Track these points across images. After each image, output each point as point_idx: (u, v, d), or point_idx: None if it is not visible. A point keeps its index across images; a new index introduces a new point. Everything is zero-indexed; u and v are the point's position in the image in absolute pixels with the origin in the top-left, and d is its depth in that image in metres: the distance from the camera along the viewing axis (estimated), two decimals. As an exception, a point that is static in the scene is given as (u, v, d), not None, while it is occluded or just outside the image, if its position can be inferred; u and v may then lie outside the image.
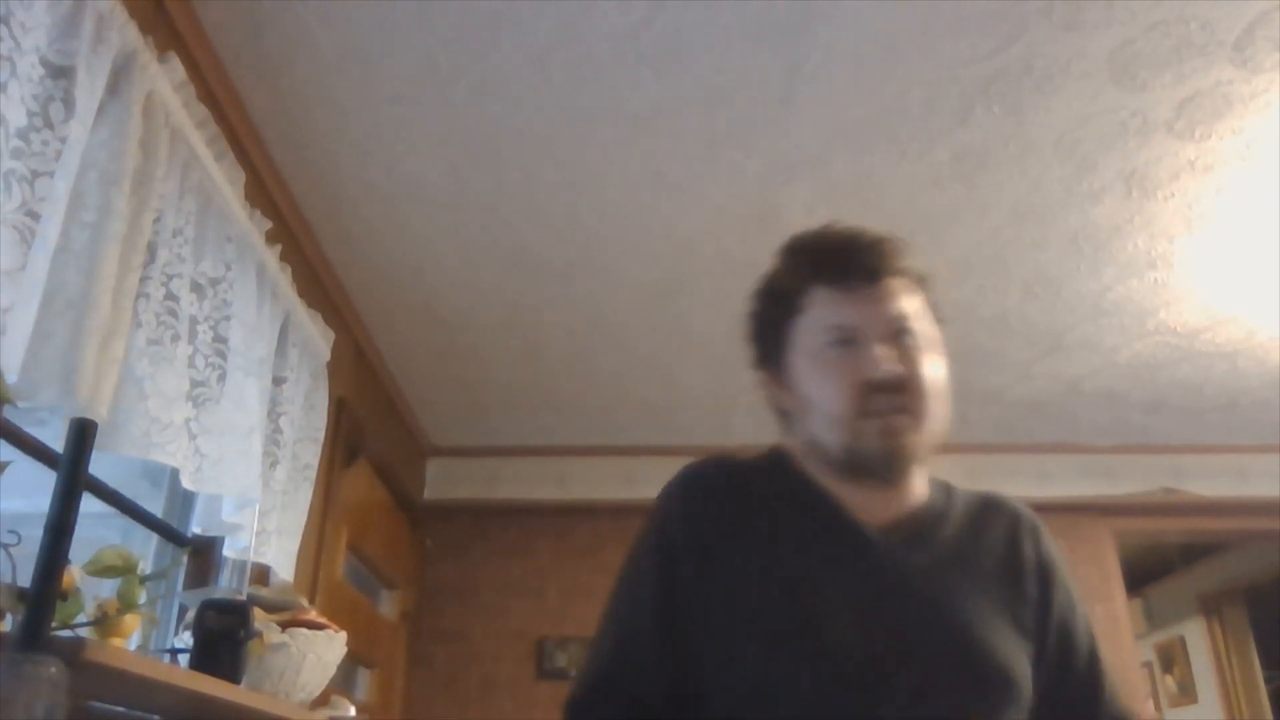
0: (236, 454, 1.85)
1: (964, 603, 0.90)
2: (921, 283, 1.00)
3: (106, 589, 1.42)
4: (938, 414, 0.93)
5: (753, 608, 0.89)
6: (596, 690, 0.94)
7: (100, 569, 1.40)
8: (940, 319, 1.00)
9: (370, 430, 3.05)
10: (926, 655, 0.85)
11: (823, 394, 0.92)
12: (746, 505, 0.96)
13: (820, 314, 0.94)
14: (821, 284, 0.95)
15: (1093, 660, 0.97)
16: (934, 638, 0.87)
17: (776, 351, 0.99)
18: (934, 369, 0.94)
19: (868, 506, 0.94)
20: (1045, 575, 0.96)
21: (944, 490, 1.00)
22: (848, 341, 0.92)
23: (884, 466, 0.91)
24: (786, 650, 0.86)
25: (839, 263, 0.95)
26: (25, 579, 1.17)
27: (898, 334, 0.93)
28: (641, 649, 0.93)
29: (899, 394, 0.90)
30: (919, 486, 0.97)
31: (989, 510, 1.00)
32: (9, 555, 1.20)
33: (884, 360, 0.90)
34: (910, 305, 0.95)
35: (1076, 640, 0.96)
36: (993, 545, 0.96)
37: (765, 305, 1.02)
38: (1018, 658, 0.89)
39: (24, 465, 1.45)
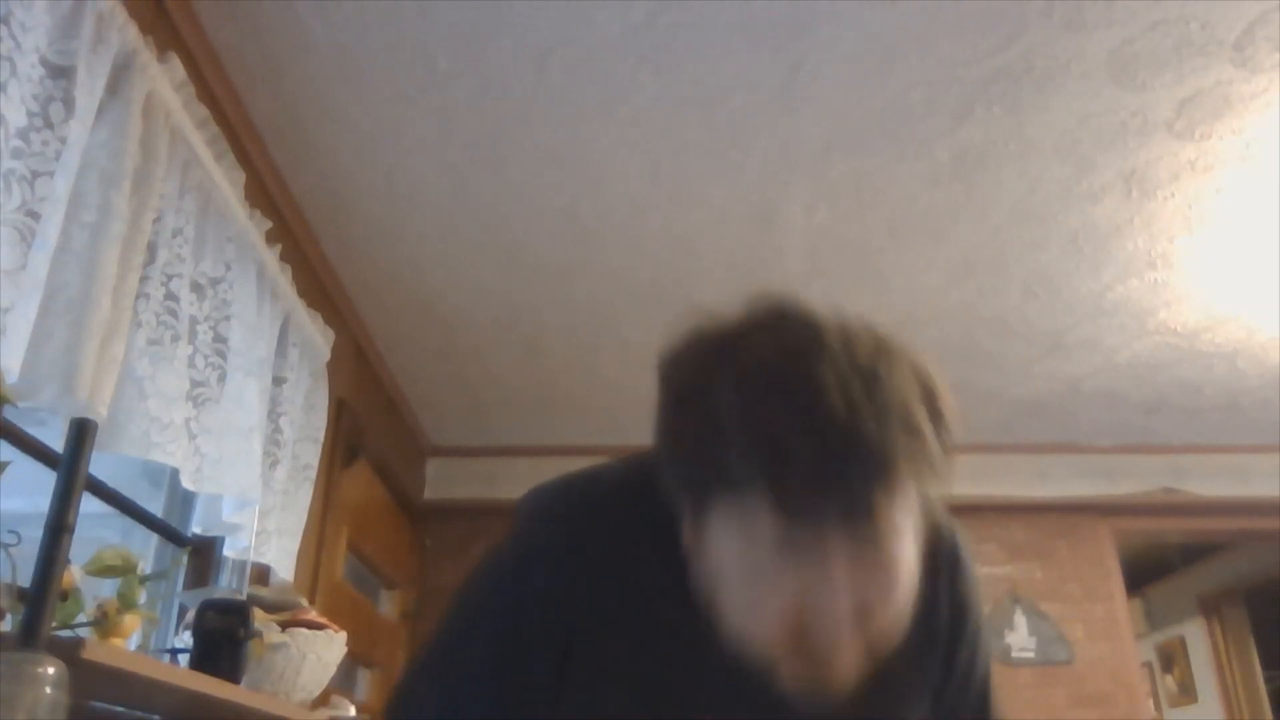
0: (236, 454, 1.85)
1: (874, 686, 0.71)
2: (932, 470, 0.64)
3: (106, 589, 1.42)
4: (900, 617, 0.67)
5: (609, 695, 0.75)
6: None
7: (100, 569, 1.40)
8: (937, 518, 0.77)
9: (370, 430, 3.05)
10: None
11: (738, 615, 0.67)
12: (623, 585, 0.76)
13: (763, 538, 0.62)
14: (774, 504, 0.61)
15: (984, 701, 0.90)
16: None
17: (687, 499, 0.68)
18: (896, 621, 0.66)
19: None
20: (958, 617, 0.84)
21: None
22: (798, 570, 0.62)
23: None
24: None
25: (808, 488, 0.60)
26: (25, 579, 1.17)
27: (862, 614, 0.64)
28: (482, 704, 0.77)
29: (830, 673, 0.66)
30: None
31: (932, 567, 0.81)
32: (9, 555, 1.20)
33: (834, 651, 0.64)
34: (894, 551, 0.63)
35: (973, 681, 0.89)
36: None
37: (684, 446, 0.67)
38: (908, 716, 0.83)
39: (24, 465, 1.45)
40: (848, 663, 0.65)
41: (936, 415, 0.63)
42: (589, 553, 0.77)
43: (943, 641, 0.84)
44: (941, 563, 0.82)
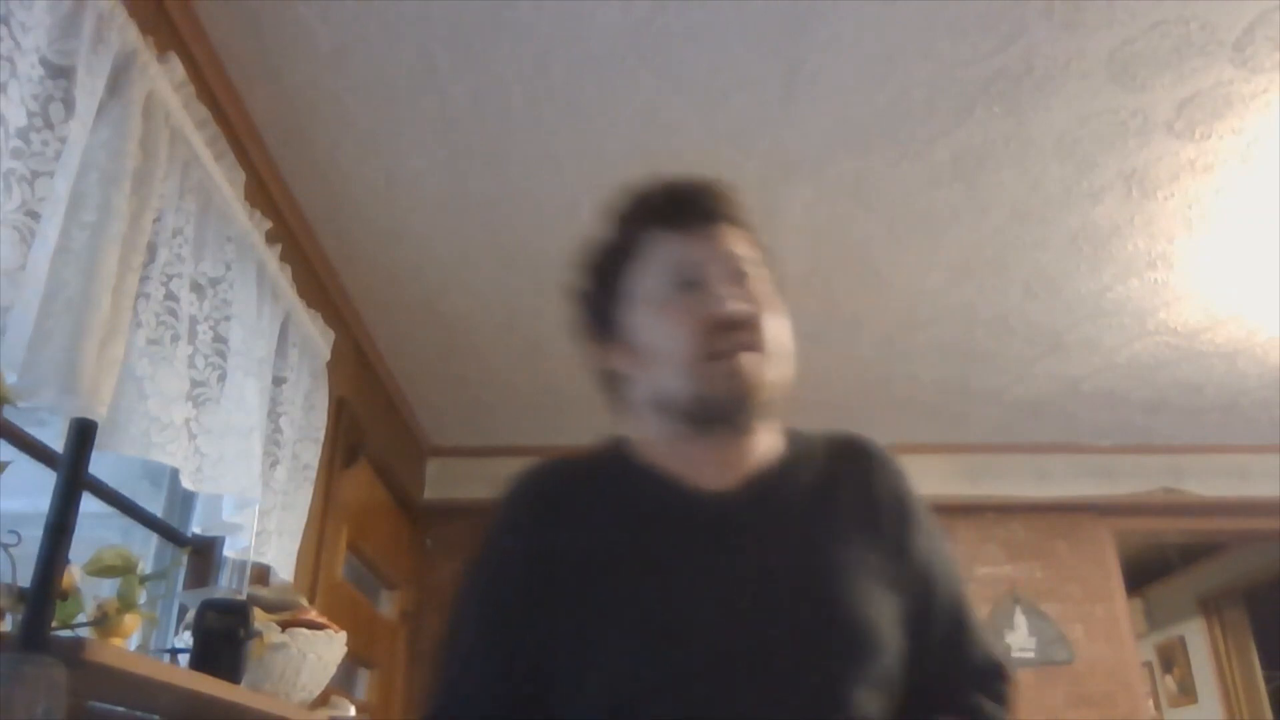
0: (236, 454, 1.85)
1: (820, 561, 0.85)
2: (758, 239, 0.95)
3: (106, 589, 1.42)
4: (783, 358, 0.89)
5: (599, 608, 0.83)
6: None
7: (100, 569, 1.40)
8: (780, 285, 0.95)
9: (370, 430, 3.05)
10: (782, 625, 0.80)
11: (667, 338, 0.87)
12: (581, 502, 0.90)
13: (660, 256, 0.90)
14: (660, 227, 0.91)
15: (955, 604, 0.91)
16: (788, 604, 0.81)
17: (610, 310, 0.94)
18: (776, 316, 0.90)
19: (714, 468, 0.88)
20: (902, 518, 0.90)
21: (795, 439, 0.94)
22: (691, 282, 0.88)
23: (734, 410, 0.86)
24: (639, 644, 0.80)
25: (678, 204, 0.92)
26: (25, 579, 1.17)
27: (740, 274, 0.90)
28: (481, 673, 0.86)
29: (745, 332, 0.86)
30: (769, 440, 0.92)
31: (842, 454, 0.93)
32: (9, 555, 1.20)
33: (729, 298, 0.87)
34: (748, 250, 0.92)
35: (937, 584, 0.90)
36: (848, 492, 0.90)
37: (600, 258, 0.96)
38: (879, 612, 0.83)
39: (24, 465, 1.45)
40: (740, 299, 0.87)
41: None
42: (549, 486, 0.92)
43: (891, 547, 0.88)
44: (870, 459, 0.94)
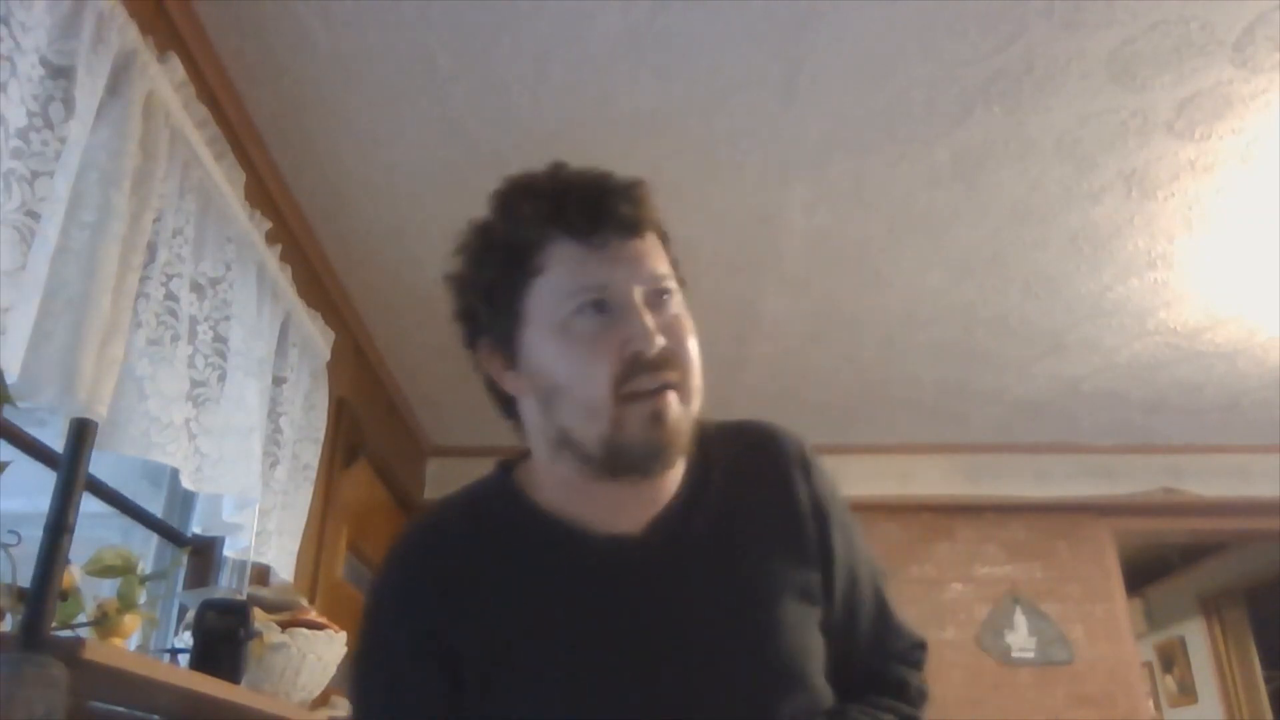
0: (236, 454, 1.85)
1: (739, 598, 0.79)
2: (667, 239, 0.85)
3: (106, 589, 1.42)
4: (700, 392, 0.79)
5: (508, 675, 0.77)
6: None
7: (100, 569, 1.40)
8: (684, 284, 0.85)
9: (370, 430, 3.05)
10: (703, 671, 0.76)
11: (576, 375, 0.75)
12: (473, 567, 0.81)
13: (566, 274, 0.77)
14: (565, 237, 0.78)
15: (878, 598, 0.89)
16: (708, 650, 0.77)
17: (503, 323, 0.80)
18: (692, 340, 0.80)
19: (620, 511, 0.80)
20: (823, 524, 0.85)
21: (702, 449, 0.83)
22: (603, 305, 0.76)
23: (650, 460, 0.77)
24: (554, 707, 0.75)
25: (588, 211, 0.79)
26: (25, 579, 1.17)
27: (659, 295, 0.79)
28: None
29: (668, 370, 0.76)
30: (679, 466, 0.83)
31: (755, 459, 0.87)
32: (9, 555, 1.20)
33: (650, 331, 0.75)
34: (665, 265, 0.82)
35: (861, 585, 0.88)
36: (765, 501, 0.84)
37: (488, 265, 0.82)
38: (804, 642, 0.80)
39: (24, 465, 1.45)
40: (659, 331, 0.76)
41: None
42: (431, 558, 0.83)
43: (813, 553, 0.84)
44: (784, 462, 0.87)
